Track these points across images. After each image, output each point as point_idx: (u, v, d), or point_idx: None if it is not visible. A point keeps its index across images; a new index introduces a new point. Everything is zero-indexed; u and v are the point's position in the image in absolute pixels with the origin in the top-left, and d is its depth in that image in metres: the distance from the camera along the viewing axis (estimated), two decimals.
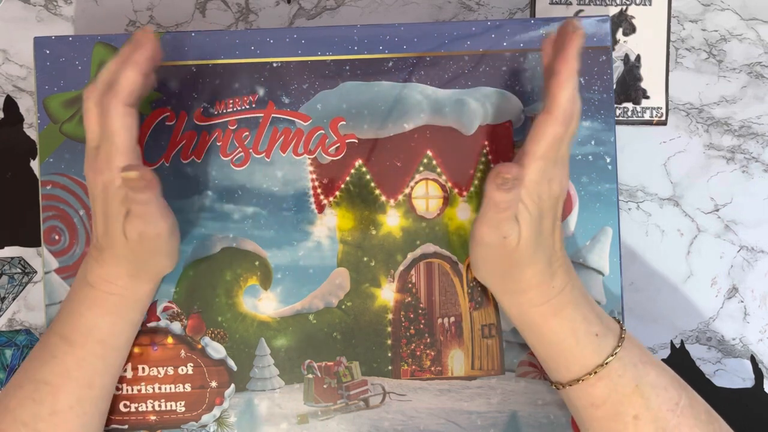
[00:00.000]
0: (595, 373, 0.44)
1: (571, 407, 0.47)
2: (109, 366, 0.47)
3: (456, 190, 0.51)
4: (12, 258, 0.58)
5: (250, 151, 0.51)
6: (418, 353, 0.51)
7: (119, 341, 0.48)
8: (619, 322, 0.46)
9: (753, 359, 0.57)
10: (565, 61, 0.42)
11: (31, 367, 0.46)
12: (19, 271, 0.58)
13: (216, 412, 0.51)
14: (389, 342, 0.51)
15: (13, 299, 0.58)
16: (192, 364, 0.51)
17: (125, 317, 0.47)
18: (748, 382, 0.57)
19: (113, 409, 0.50)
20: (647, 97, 0.58)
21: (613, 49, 0.58)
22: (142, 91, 0.43)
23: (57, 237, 0.51)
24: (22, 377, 0.46)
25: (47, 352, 0.46)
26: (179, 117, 0.51)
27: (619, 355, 0.44)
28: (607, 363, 0.44)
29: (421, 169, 0.51)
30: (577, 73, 0.42)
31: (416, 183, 0.51)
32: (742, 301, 0.58)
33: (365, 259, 0.51)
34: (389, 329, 0.51)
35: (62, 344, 0.45)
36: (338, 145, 0.51)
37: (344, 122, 0.51)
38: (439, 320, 0.51)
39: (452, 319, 0.51)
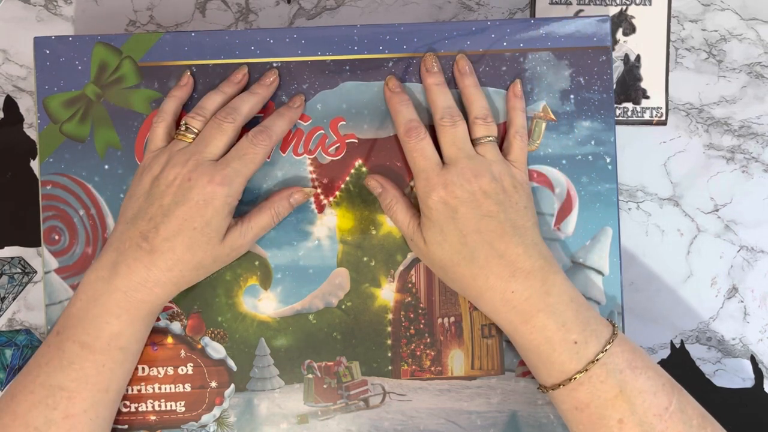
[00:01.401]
0: (575, 378, 0.44)
1: (557, 409, 0.47)
2: (126, 371, 0.48)
3: None
4: (12, 258, 0.58)
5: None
6: (418, 353, 0.51)
7: (138, 347, 0.48)
8: (613, 325, 0.46)
9: (753, 359, 0.57)
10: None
11: (44, 373, 0.45)
12: (19, 271, 0.58)
13: (216, 412, 0.51)
14: (389, 342, 0.51)
15: (13, 299, 0.58)
16: (192, 364, 0.51)
17: (148, 324, 0.48)
18: (748, 382, 0.57)
19: None
20: (647, 97, 0.58)
21: (613, 49, 0.58)
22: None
23: (57, 237, 0.51)
24: (32, 382, 0.45)
25: (64, 359, 0.45)
26: (179, 117, 0.51)
27: (602, 361, 0.44)
28: (587, 369, 0.44)
29: None
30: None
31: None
32: (742, 301, 0.58)
33: (365, 259, 0.51)
34: (389, 329, 0.51)
35: (82, 351, 0.45)
36: (338, 145, 0.51)
37: (344, 122, 0.51)
38: (439, 320, 0.51)
39: (452, 319, 0.51)
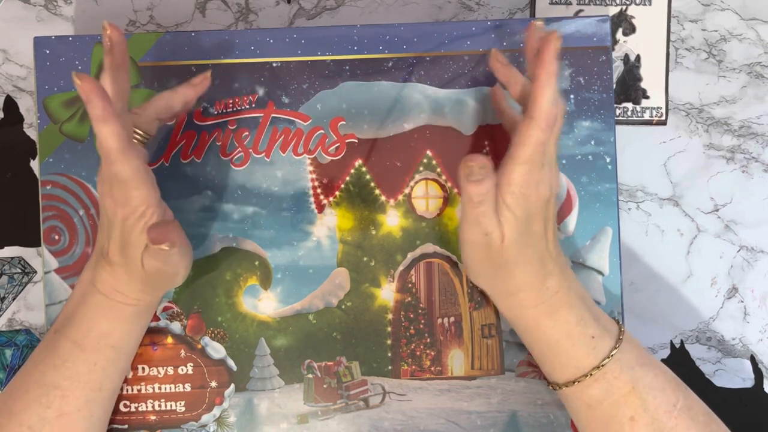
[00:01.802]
0: (591, 375, 0.44)
1: (568, 407, 0.47)
2: (119, 369, 0.48)
3: (456, 190, 0.51)
4: (12, 258, 0.58)
5: (250, 150, 0.51)
6: (418, 353, 0.51)
7: (130, 345, 0.48)
8: (618, 323, 0.46)
9: (753, 359, 0.57)
10: (544, 64, 0.42)
11: (38, 371, 0.45)
12: (19, 271, 0.58)
13: (216, 412, 0.51)
14: (389, 342, 0.51)
15: (13, 299, 0.58)
16: (192, 364, 0.51)
17: (138, 323, 0.48)
18: (748, 382, 0.57)
19: (113, 408, 0.50)
20: (647, 97, 0.58)
21: (613, 49, 0.58)
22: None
23: (57, 237, 0.51)
24: (26, 381, 0.45)
25: (57, 357, 0.45)
26: (179, 117, 0.51)
27: (616, 357, 0.44)
28: (603, 365, 0.44)
29: (421, 169, 0.51)
30: (557, 75, 0.42)
31: (416, 183, 0.51)
32: (742, 301, 0.58)
33: (365, 259, 0.51)
34: (389, 329, 0.51)
35: (74, 349, 0.45)
36: (338, 144, 0.51)
37: (344, 122, 0.51)
38: (439, 320, 0.51)
39: (452, 319, 0.51)
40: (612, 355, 0.44)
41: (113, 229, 0.44)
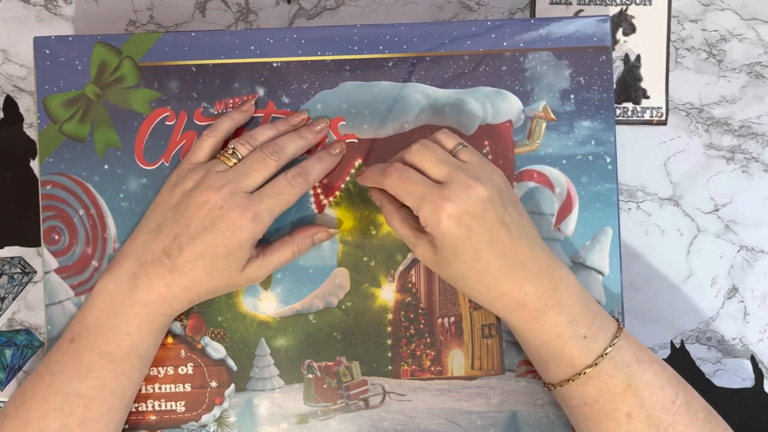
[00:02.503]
0: (584, 373, 0.44)
1: (564, 407, 0.47)
2: (142, 376, 0.48)
3: None
4: (12, 258, 0.58)
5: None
6: (418, 353, 0.51)
7: (154, 353, 0.49)
8: (617, 321, 0.46)
9: (753, 359, 0.57)
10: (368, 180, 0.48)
11: (59, 380, 0.45)
12: (19, 271, 0.58)
13: (216, 412, 0.51)
14: (389, 342, 0.51)
15: (13, 299, 0.58)
16: (192, 364, 0.51)
17: (164, 332, 0.49)
18: (748, 382, 0.57)
19: None
20: (647, 97, 0.58)
21: (613, 49, 0.58)
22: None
23: (57, 237, 0.51)
24: (45, 389, 0.45)
25: (82, 367, 0.45)
26: (179, 117, 0.51)
27: (611, 355, 0.44)
28: (596, 364, 0.44)
29: None
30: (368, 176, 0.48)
31: None
32: (742, 301, 0.58)
33: (365, 259, 0.51)
34: (389, 329, 0.51)
35: (101, 360, 0.45)
36: None
37: (344, 122, 0.51)
38: (439, 320, 0.51)
39: (452, 319, 0.51)
40: (606, 354, 0.44)
41: (205, 231, 0.45)
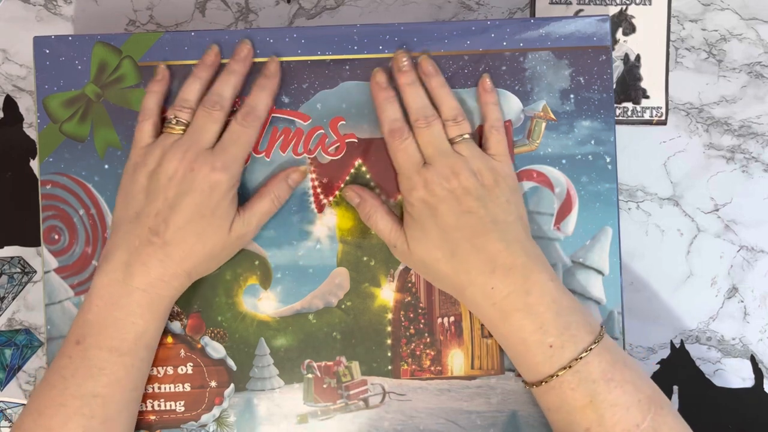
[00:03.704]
0: (546, 382, 0.44)
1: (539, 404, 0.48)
2: (149, 366, 0.49)
3: None
4: (12, 258, 0.58)
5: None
6: (417, 353, 0.51)
7: (158, 341, 0.49)
8: (599, 334, 0.45)
9: (753, 359, 0.57)
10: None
11: (73, 384, 0.45)
12: (19, 270, 0.58)
13: (215, 411, 0.51)
14: (389, 342, 0.51)
15: (13, 299, 0.58)
16: (191, 364, 0.51)
17: (166, 318, 0.49)
18: (748, 382, 0.57)
19: None
20: (647, 97, 0.58)
21: (613, 49, 0.58)
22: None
23: (56, 236, 0.51)
24: (60, 395, 0.45)
25: (93, 367, 0.45)
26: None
27: (575, 369, 0.44)
28: (558, 375, 0.44)
29: None
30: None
31: None
32: (742, 301, 0.58)
33: (365, 258, 0.51)
34: (389, 329, 0.51)
35: (111, 356, 0.45)
36: (338, 144, 0.51)
37: (344, 122, 0.51)
38: (439, 320, 0.51)
39: (452, 318, 0.51)
40: (570, 366, 0.44)
41: (185, 197, 0.45)
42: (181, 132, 0.48)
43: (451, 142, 0.48)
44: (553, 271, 0.47)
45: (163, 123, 0.49)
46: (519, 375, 0.51)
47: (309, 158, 0.51)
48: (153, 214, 0.46)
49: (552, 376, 0.44)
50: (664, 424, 0.43)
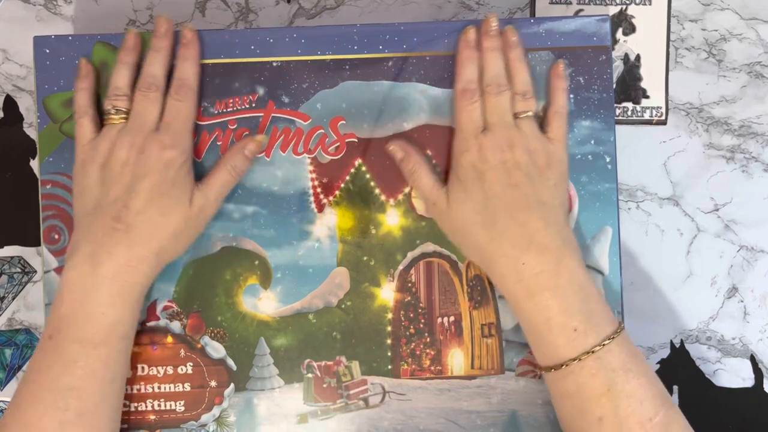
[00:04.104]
0: (567, 365, 0.44)
1: (549, 392, 0.47)
2: (128, 357, 0.48)
3: None
4: (12, 257, 0.58)
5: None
6: (417, 353, 0.51)
7: (134, 331, 0.48)
8: (619, 326, 0.46)
9: (753, 359, 0.57)
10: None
11: (48, 378, 0.45)
12: (19, 270, 0.58)
13: (215, 411, 0.51)
14: (389, 341, 0.51)
15: (13, 298, 0.58)
16: (191, 364, 0.51)
17: (140, 307, 0.48)
18: (748, 381, 0.57)
19: None
20: (647, 97, 0.58)
21: (613, 49, 0.58)
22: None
23: (57, 236, 0.51)
24: (36, 389, 0.45)
25: (67, 360, 0.45)
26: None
27: (597, 355, 0.44)
28: (580, 359, 0.44)
29: None
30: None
31: None
32: (741, 301, 0.58)
33: (365, 258, 0.51)
34: (389, 329, 0.51)
35: (84, 349, 0.45)
36: (338, 144, 0.51)
37: (344, 121, 0.51)
38: (439, 319, 0.51)
39: (452, 318, 0.51)
40: (593, 351, 0.44)
41: (142, 180, 0.46)
42: (123, 120, 0.48)
43: (515, 116, 0.48)
44: (583, 262, 0.47)
45: (101, 117, 0.50)
46: (520, 374, 0.51)
47: (309, 158, 0.51)
48: (112, 202, 0.46)
49: (574, 360, 0.44)
50: (675, 422, 0.44)
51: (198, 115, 0.51)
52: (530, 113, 0.48)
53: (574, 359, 0.44)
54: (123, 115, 0.48)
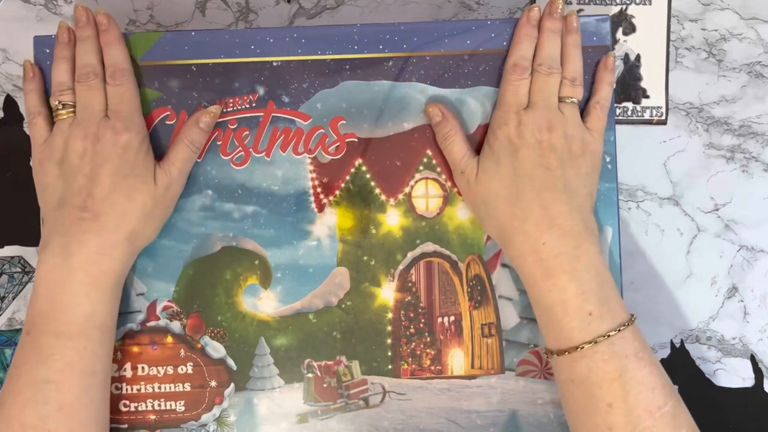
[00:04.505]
0: (581, 348, 0.44)
1: (556, 379, 0.47)
2: (107, 349, 0.47)
3: (455, 190, 0.51)
4: (12, 257, 0.58)
5: (250, 150, 0.51)
6: (418, 352, 0.51)
7: (113, 322, 0.48)
8: (632, 316, 0.46)
9: (753, 359, 0.57)
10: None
11: (25, 372, 0.45)
12: (19, 270, 0.58)
13: (216, 411, 0.51)
14: (389, 341, 0.51)
15: (13, 298, 0.58)
16: (192, 364, 0.51)
17: (117, 297, 0.48)
18: (748, 381, 0.57)
19: (113, 408, 0.50)
20: (647, 97, 0.58)
21: (613, 49, 0.58)
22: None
23: None
24: (15, 384, 0.45)
25: (42, 353, 0.45)
26: (179, 116, 0.51)
27: (611, 341, 0.44)
28: (596, 342, 0.44)
29: (421, 168, 0.51)
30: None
31: (416, 182, 0.51)
32: (742, 301, 0.58)
33: (365, 258, 0.51)
34: (389, 328, 0.51)
35: (59, 341, 0.45)
36: (338, 144, 0.51)
37: (344, 121, 0.51)
38: (439, 319, 0.51)
39: (452, 318, 0.51)
40: (608, 336, 0.44)
41: (102, 167, 0.46)
42: (71, 114, 0.48)
43: (560, 99, 0.49)
44: (601, 250, 0.47)
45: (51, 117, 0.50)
46: (520, 374, 0.51)
47: (309, 158, 0.51)
48: (76, 193, 0.46)
49: (588, 343, 0.44)
50: (682, 413, 0.44)
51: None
52: (575, 100, 0.49)
53: (589, 342, 0.44)
54: (71, 109, 0.49)
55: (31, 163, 0.49)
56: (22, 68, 0.51)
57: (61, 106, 0.48)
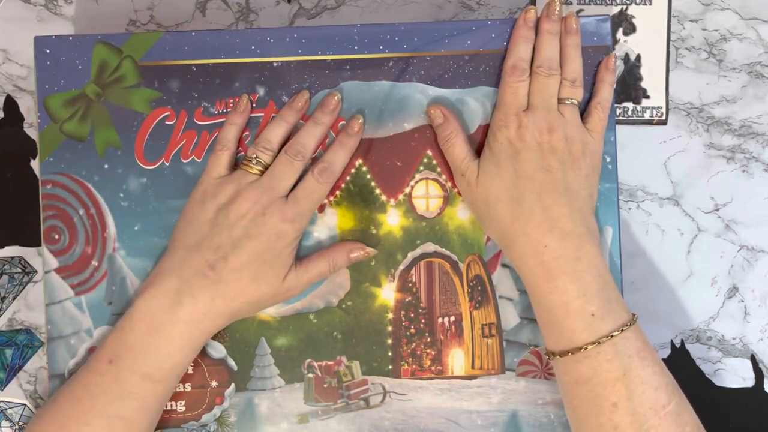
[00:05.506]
0: (585, 349, 0.44)
1: (558, 380, 0.47)
2: (172, 393, 0.49)
3: (456, 190, 0.51)
4: (12, 257, 0.58)
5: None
6: (418, 352, 0.51)
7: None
8: (633, 315, 0.46)
9: (753, 359, 0.57)
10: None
11: (101, 403, 0.45)
12: (20, 270, 0.58)
13: (216, 411, 0.51)
14: (389, 341, 0.51)
15: (14, 299, 0.58)
16: (192, 364, 0.51)
17: (198, 352, 0.48)
18: (748, 381, 0.57)
19: None
20: (647, 97, 0.58)
21: (614, 49, 0.58)
22: None
23: (57, 236, 0.51)
24: (87, 413, 0.45)
25: (124, 390, 0.45)
26: (179, 116, 0.51)
27: (614, 341, 0.44)
28: (599, 343, 0.44)
29: (422, 168, 0.51)
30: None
31: (416, 182, 0.51)
32: (742, 301, 0.58)
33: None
34: (389, 328, 0.51)
35: (143, 382, 0.45)
36: None
37: (344, 122, 0.51)
38: (440, 319, 0.51)
39: (452, 318, 0.51)
40: (611, 336, 0.44)
41: (250, 239, 0.46)
42: (259, 173, 0.48)
43: (559, 101, 0.49)
44: (603, 251, 0.47)
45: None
46: (521, 374, 0.51)
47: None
48: (214, 248, 0.46)
49: (591, 344, 0.44)
50: (686, 411, 0.44)
51: (198, 115, 0.51)
52: (575, 101, 0.49)
53: (592, 343, 0.44)
54: (261, 168, 0.48)
55: (192, 194, 0.49)
56: (239, 100, 0.50)
57: (255, 161, 0.48)
